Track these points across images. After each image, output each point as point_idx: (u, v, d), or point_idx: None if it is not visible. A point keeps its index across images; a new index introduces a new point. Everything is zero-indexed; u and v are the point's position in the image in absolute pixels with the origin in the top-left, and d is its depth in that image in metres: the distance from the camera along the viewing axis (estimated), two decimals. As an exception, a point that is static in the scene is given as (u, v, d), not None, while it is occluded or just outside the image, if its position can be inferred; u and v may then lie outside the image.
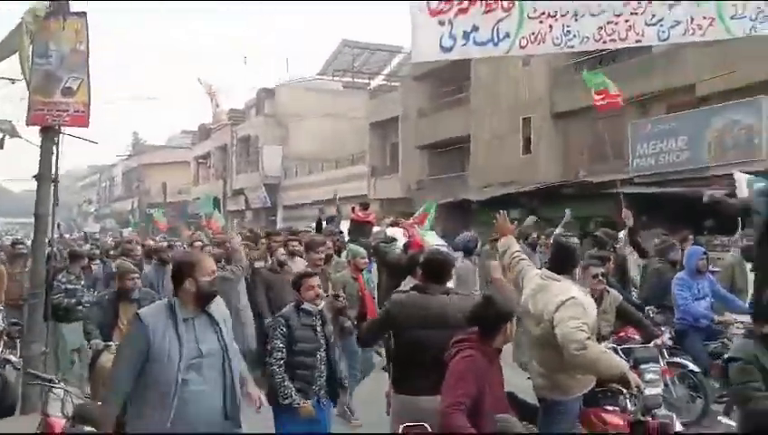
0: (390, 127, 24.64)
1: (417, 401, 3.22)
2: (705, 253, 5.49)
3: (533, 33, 4.75)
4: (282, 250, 6.20)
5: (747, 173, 9.07)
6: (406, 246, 6.51)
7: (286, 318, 3.74)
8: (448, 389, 2.76)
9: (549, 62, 16.42)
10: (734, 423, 3.64)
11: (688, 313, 5.16)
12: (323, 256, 5.70)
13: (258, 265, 6.42)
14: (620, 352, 3.84)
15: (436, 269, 3.45)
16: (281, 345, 3.66)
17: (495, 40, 4.77)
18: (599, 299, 3.80)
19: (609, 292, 4.11)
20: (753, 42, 10.55)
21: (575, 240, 5.35)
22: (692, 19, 4.68)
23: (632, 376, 3.13)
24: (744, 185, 6.99)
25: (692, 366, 4.77)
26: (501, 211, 4.02)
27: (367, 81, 29.56)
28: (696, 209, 10.68)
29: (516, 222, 6.86)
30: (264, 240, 7.14)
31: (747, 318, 4.71)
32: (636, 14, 4.70)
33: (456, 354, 2.87)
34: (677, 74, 12.85)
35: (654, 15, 4.68)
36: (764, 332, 2.65)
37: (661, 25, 4.70)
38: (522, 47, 4.79)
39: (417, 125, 22.56)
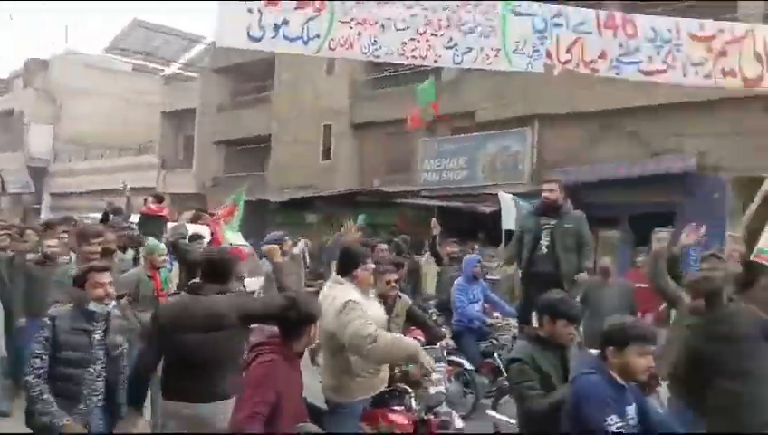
0: (186, 118, 23.16)
1: (185, 408, 3.04)
2: (479, 261, 6.11)
3: (343, 38, 4.76)
4: (52, 241, 5.32)
5: (511, 193, 10.50)
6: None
7: (53, 319, 3.14)
8: (245, 397, 2.58)
9: (350, 74, 17.00)
10: (500, 416, 4.04)
11: (464, 315, 5.69)
12: (99, 248, 4.91)
13: (30, 257, 5.48)
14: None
15: (213, 268, 3.28)
16: (40, 351, 3.06)
17: (305, 38, 4.67)
18: (392, 304, 3.92)
19: (401, 297, 4.28)
20: (523, 80, 12.42)
21: (384, 245, 5.53)
22: (482, 48, 5.14)
23: (423, 355, 3.29)
24: (508, 203, 7.97)
25: (467, 364, 5.24)
26: (350, 220, 4.06)
27: (160, 66, 27.37)
28: (472, 222, 12.03)
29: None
30: (29, 231, 6.11)
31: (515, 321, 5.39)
32: (435, 35, 5.00)
33: (254, 359, 2.69)
34: (461, 101, 14.27)
35: (451, 39, 5.01)
36: (539, 334, 2.94)
37: (456, 50, 5.05)
38: (331, 49, 4.77)
39: (215, 119, 21.54)
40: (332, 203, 14.98)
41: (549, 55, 5.23)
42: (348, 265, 3.55)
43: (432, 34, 4.96)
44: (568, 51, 5.29)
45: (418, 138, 15.28)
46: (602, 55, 5.36)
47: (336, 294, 3.43)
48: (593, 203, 9.27)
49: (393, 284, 4.22)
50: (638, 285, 6.17)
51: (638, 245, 9.83)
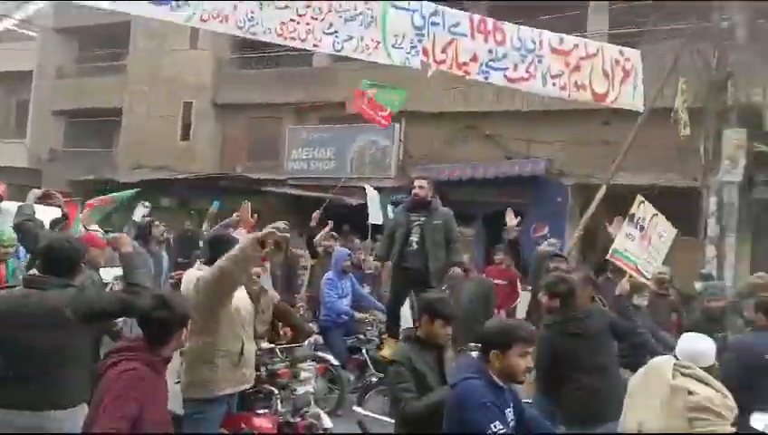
0: (19, 81, 20.35)
1: (19, 417, 2.65)
2: (349, 255, 6.03)
3: (217, 9, 4.41)
4: None
5: (378, 188, 10.62)
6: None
7: None
8: (104, 411, 2.24)
9: (216, 50, 16.08)
10: (365, 412, 3.99)
11: (333, 310, 5.58)
12: None
13: None
14: (278, 352, 3.81)
15: (55, 259, 2.90)
16: None
17: (173, 4, 4.25)
18: (256, 298, 3.70)
19: (266, 291, 4.05)
20: (394, 75, 12.56)
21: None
22: (362, 38, 5.03)
23: (256, 236, 3.13)
24: (374, 198, 8.01)
25: (333, 360, 5.14)
26: (245, 201, 3.69)
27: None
28: (337, 213, 11.97)
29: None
30: None
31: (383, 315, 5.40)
32: (316, 19, 4.80)
33: (112, 365, 2.33)
34: (331, 90, 14.13)
35: (332, 25, 4.85)
36: (417, 334, 2.92)
37: (337, 36, 4.90)
38: (203, 20, 4.39)
39: (55, 86, 19.20)
40: (191, 187, 14.07)
41: (426, 53, 5.27)
42: (216, 254, 3.29)
43: (312, 18, 4.76)
44: (443, 51, 5.37)
45: (284, 124, 14.90)
46: (474, 59, 5.50)
47: (199, 274, 3.27)
48: (452, 200, 9.67)
49: (255, 278, 3.96)
50: (496, 281, 6.49)
51: (491, 243, 10.49)
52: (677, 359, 2.48)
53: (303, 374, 3.36)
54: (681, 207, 8.52)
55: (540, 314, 4.16)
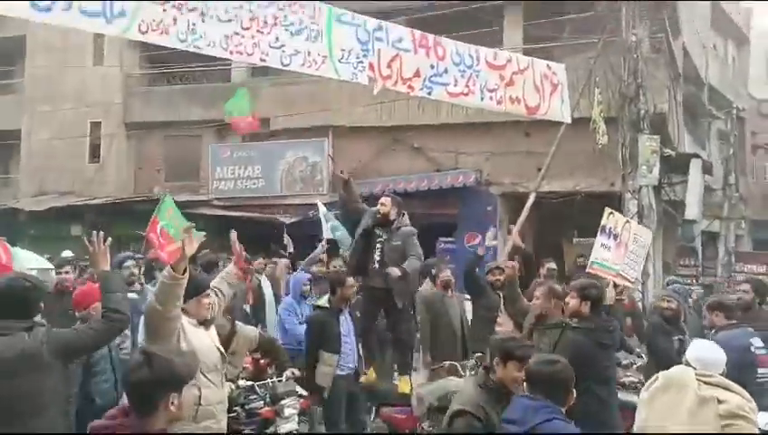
0: None
1: None
2: (309, 280, 5.79)
3: (155, 21, 4.09)
4: None
5: (311, 205, 10.40)
6: None
7: None
8: None
9: (122, 67, 15.20)
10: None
11: (293, 335, 5.31)
12: None
13: None
14: (257, 389, 3.52)
15: (16, 301, 2.73)
16: None
17: (108, 15, 3.91)
18: (225, 340, 3.38)
19: (236, 331, 3.73)
20: (316, 90, 12.46)
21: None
22: (309, 52, 4.87)
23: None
24: (324, 214, 7.83)
25: (301, 391, 4.86)
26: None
27: None
28: (266, 233, 11.60)
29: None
30: None
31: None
32: (261, 33, 4.60)
33: None
34: (254, 107, 13.72)
35: (278, 39, 4.66)
36: (490, 380, 2.69)
37: (284, 51, 4.71)
38: (141, 32, 4.05)
39: (-60, 106, 17.33)
40: (105, 213, 13.10)
41: (372, 68, 5.19)
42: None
43: (258, 31, 4.54)
44: (388, 66, 5.31)
45: (204, 143, 14.30)
46: (417, 74, 5.46)
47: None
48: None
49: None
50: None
51: (425, 255, 10.53)
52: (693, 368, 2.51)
53: (287, 411, 3.10)
54: (602, 211, 9.01)
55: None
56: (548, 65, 6.53)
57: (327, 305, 4.69)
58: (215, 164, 13.53)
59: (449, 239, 11.86)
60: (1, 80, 17.27)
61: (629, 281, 5.03)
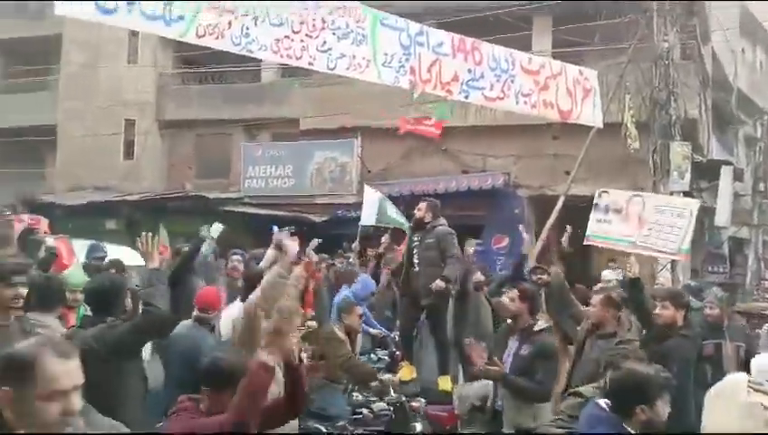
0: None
1: None
2: (372, 293, 5.91)
3: (211, 25, 4.29)
4: None
5: (341, 205, 10.59)
6: None
7: None
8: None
9: (156, 66, 15.57)
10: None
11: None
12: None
13: None
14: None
15: (98, 298, 2.93)
16: None
17: (168, 18, 4.11)
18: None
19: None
20: (346, 91, 12.64)
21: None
22: (354, 56, 5.02)
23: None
24: (372, 198, 7.94)
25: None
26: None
27: None
28: (295, 232, 11.77)
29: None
30: None
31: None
32: (310, 36, 4.76)
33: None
34: (285, 107, 14.00)
35: (325, 42, 4.81)
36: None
37: (330, 54, 4.86)
38: (199, 36, 4.25)
39: (-22, 104, 17.90)
40: (138, 208, 13.44)
41: (413, 72, 5.33)
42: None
43: (307, 35, 4.70)
44: (428, 70, 5.44)
45: (234, 141, 14.59)
46: (455, 78, 5.59)
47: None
48: (411, 215, 9.76)
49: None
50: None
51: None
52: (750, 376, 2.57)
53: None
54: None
55: None
56: (580, 71, 6.61)
57: None
58: (246, 162, 13.80)
59: (476, 241, 11.94)
60: (37, 77, 17.78)
61: (662, 252, 5.02)
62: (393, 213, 8.12)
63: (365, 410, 3.77)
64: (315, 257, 3.96)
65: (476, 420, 4.30)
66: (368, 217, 8.06)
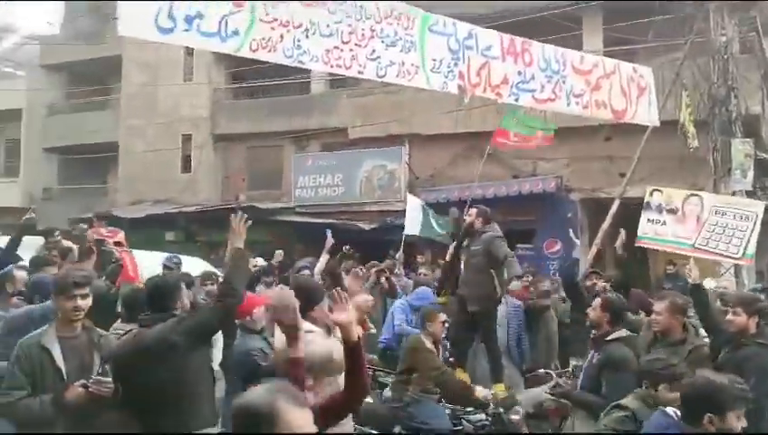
0: (7, 120, 20.10)
1: None
2: (432, 303, 5.94)
3: (264, 39, 4.41)
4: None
5: (390, 212, 10.65)
6: None
7: None
8: None
9: (210, 82, 16.14)
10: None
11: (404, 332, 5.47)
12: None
13: None
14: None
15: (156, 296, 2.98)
16: None
17: (223, 35, 4.25)
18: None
19: None
20: (393, 100, 12.75)
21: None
22: (403, 63, 5.06)
23: None
24: (415, 207, 7.97)
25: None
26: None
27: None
28: (346, 240, 11.94)
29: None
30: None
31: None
32: (359, 45, 4.83)
33: None
34: (333, 117, 14.23)
35: (374, 51, 4.86)
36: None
37: (379, 62, 4.91)
38: (252, 50, 4.37)
39: (46, 123, 19.01)
40: (195, 220, 13.92)
41: (462, 77, 5.32)
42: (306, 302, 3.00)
43: (356, 44, 4.76)
44: (477, 74, 5.41)
45: (285, 152, 14.92)
46: (505, 81, 5.53)
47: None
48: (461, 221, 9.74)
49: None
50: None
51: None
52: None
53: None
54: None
55: None
56: (634, 68, 6.45)
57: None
58: (297, 173, 14.09)
59: (527, 246, 11.79)
60: (100, 96, 18.73)
61: (724, 256, 4.81)
62: (435, 224, 8.16)
63: (464, 422, 3.79)
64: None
65: (532, 428, 4.24)
66: (412, 227, 8.11)
